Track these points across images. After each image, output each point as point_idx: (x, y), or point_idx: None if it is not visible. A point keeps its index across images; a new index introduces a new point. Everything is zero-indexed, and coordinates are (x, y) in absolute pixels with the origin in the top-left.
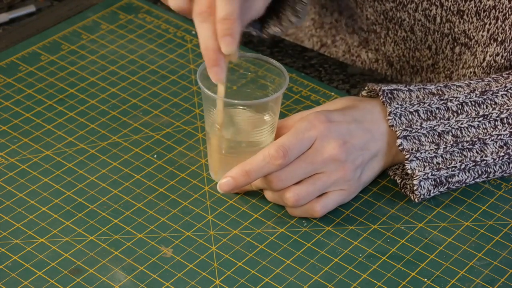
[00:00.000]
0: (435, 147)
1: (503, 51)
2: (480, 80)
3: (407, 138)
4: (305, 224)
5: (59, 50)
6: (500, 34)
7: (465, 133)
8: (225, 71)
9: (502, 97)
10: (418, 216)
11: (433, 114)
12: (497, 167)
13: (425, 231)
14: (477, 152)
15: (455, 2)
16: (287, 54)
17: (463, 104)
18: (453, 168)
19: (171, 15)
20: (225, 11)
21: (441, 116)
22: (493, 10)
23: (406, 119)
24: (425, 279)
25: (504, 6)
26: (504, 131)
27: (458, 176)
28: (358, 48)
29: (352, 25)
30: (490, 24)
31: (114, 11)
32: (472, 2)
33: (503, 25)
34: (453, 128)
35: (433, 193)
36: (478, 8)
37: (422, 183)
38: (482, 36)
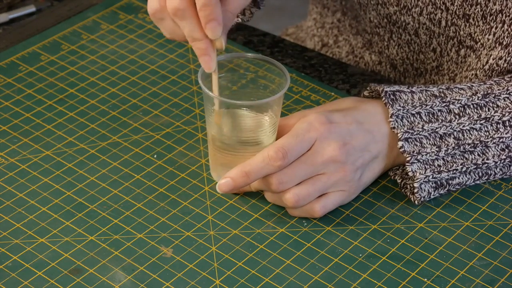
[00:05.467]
0: (437, 149)
1: (506, 55)
2: (482, 83)
3: (409, 140)
4: (305, 224)
5: (59, 50)
6: (505, 38)
7: (467, 135)
8: (215, 59)
9: (504, 100)
10: (418, 216)
11: (435, 116)
12: (498, 170)
13: (425, 231)
14: (478, 154)
15: (460, 6)
16: (287, 54)
17: (465, 106)
18: (454, 171)
19: None
20: None
21: (443, 119)
22: (500, 14)
23: (408, 121)
24: (425, 279)
25: (511, 10)
26: (506, 134)
27: (458, 179)
28: (362, 50)
29: (356, 26)
30: (496, 27)
31: (114, 11)
32: (478, 6)
33: (509, 29)
34: (455, 130)
35: (433, 195)
36: (484, 12)
37: (422, 186)
38: (488, 39)
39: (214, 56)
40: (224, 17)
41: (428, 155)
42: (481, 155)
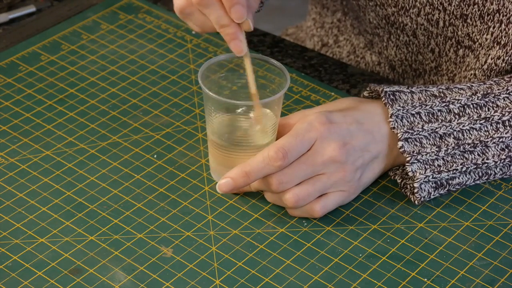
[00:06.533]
0: (437, 149)
1: (504, 54)
2: (481, 83)
3: (409, 140)
4: (305, 224)
5: (59, 50)
6: (503, 37)
7: (467, 135)
8: (245, 42)
9: (504, 99)
10: (418, 216)
11: (435, 116)
12: (498, 169)
13: (425, 231)
14: (478, 154)
15: (458, 6)
16: (287, 54)
17: (465, 106)
18: (454, 171)
19: (171, 15)
20: None
21: (443, 119)
22: (497, 14)
23: (407, 121)
24: (425, 279)
25: (508, 10)
26: (505, 133)
27: (458, 178)
28: (363, 50)
29: (358, 26)
30: (494, 27)
31: (114, 11)
32: (476, 6)
33: (506, 29)
34: (455, 130)
35: (433, 195)
36: (482, 12)
37: (422, 186)
38: (486, 39)
39: (243, 39)
40: None
41: (428, 155)
42: (481, 155)
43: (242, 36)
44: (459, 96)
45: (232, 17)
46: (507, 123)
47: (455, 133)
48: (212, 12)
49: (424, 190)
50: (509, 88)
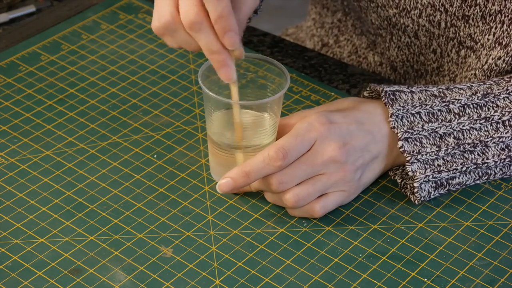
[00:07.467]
0: (437, 149)
1: (505, 55)
2: (481, 83)
3: (409, 140)
4: (305, 224)
5: (59, 50)
6: (505, 38)
7: (467, 135)
8: (234, 69)
9: (504, 99)
10: (418, 216)
11: (435, 116)
12: (498, 169)
13: (425, 231)
14: (478, 154)
15: (460, 7)
16: (287, 54)
17: (465, 106)
18: (454, 171)
19: None
20: (218, 10)
21: (443, 118)
22: (499, 15)
23: (407, 121)
24: (425, 279)
25: (510, 10)
26: (505, 133)
27: (458, 178)
28: (366, 50)
29: (360, 26)
30: (496, 28)
31: (114, 11)
32: (477, 7)
33: (508, 29)
34: (455, 130)
35: (433, 195)
36: (484, 12)
37: (422, 185)
38: (488, 39)
39: (233, 66)
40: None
41: (428, 154)
42: (481, 154)
43: (232, 62)
44: (459, 96)
45: (224, 44)
46: (507, 123)
47: (455, 133)
48: (202, 38)
49: (424, 190)
50: (509, 88)
